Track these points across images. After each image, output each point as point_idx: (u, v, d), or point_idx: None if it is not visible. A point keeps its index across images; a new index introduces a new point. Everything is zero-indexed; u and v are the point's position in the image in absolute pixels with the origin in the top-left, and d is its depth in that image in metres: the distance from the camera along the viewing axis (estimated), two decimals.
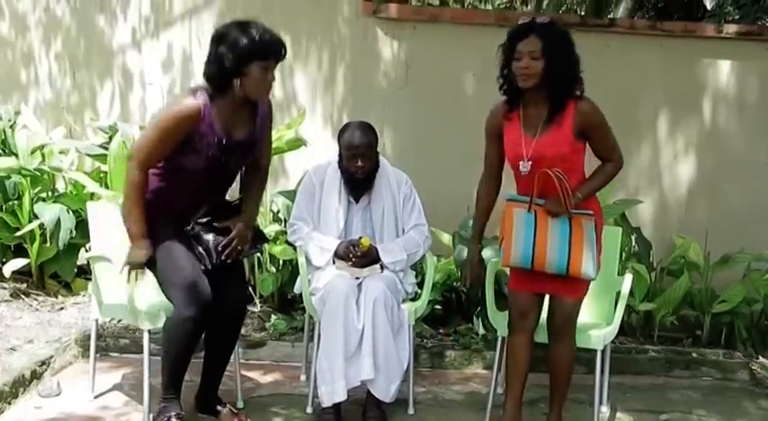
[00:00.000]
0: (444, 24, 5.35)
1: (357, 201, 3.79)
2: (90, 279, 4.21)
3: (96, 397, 3.72)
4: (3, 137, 5.15)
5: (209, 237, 3.24)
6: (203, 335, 3.35)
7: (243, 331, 4.42)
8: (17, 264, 4.77)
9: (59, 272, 4.97)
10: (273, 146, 4.77)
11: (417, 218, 3.85)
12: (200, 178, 3.19)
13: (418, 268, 4.21)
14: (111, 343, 4.33)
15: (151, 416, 3.32)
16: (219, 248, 3.23)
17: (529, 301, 3.31)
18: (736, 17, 7.36)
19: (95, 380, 3.76)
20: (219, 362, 3.45)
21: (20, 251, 4.93)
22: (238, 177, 3.45)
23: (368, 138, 3.69)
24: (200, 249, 3.24)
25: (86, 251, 4.76)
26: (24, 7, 5.63)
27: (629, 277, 3.71)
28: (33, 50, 5.64)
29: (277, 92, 5.46)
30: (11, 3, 5.64)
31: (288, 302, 4.89)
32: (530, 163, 3.15)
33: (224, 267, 3.26)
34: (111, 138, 4.87)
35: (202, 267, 3.22)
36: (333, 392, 3.40)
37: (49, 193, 5.04)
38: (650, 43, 5.27)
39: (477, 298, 4.53)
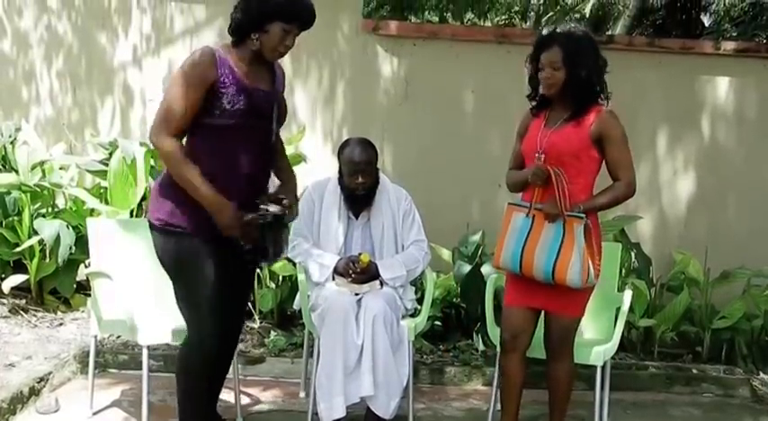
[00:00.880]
0: (444, 41, 5.38)
1: (357, 218, 3.79)
2: (89, 295, 4.20)
3: (95, 413, 3.71)
4: (3, 153, 5.16)
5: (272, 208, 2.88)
6: None
7: (242, 347, 4.43)
8: (16, 279, 4.77)
9: (59, 288, 4.96)
10: None
11: (417, 234, 3.85)
12: (240, 142, 2.89)
13: (418, 284, 4.20)
14: (109, 359, 4.32)
15: None
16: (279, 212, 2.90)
17: (522, 320, 3.27)
18: (734, 34, 7.42)
19: (94, 396, 3.74)
20: (218, 379, 3.41)
21: (19, 267, 4.93)
22: None
23: (368, 154, 3.70)
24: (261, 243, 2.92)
25: (86, 267, 4.76)
26: (26, 25, 5.66)
27: (628, 293, 3.71)
28: (35, 68, 5.67)
29: None
30: (13, 20, 5.67)
31: (287, 318, 4.88)
32: (543, 155, 3.15)
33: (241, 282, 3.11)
34: (111, 154, 4.88)
35: (262, 262, 3.06)
36: (332, 409, 3.39)
37: (49, 209, 5.05)
38: (649, 60, 5.30)
39: (476, 314, 4.52)
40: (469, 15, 13.10)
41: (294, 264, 4.09)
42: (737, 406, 4.33)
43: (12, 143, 5.20)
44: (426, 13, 11.87)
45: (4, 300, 4.81)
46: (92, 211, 4.76)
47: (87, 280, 4.32)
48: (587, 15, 17.16)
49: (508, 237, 3.21)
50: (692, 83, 5.31)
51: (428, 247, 3.90)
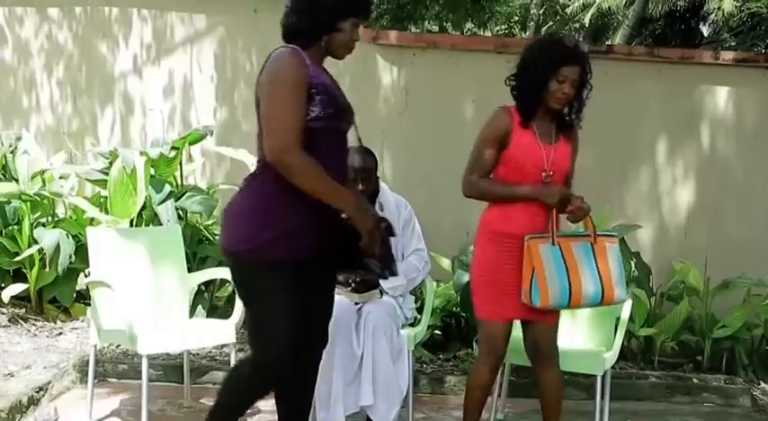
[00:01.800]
0: (443, 51, 5.39)
1: None
2: (89, 304, 4.20)
3: None
4: (3, 162, 5.17)
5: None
6: None
7: (241, 356, 4.41)
8: (16, 289, 4.77)
9: (58, 297, 4.96)
10: None
11: (417, 243, 3.84)
12: (330, 148, 2.65)
13: (418, 293, 4.20)
14: (109, 368, 4.32)
15: None
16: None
17: (501, 332, 3.18)
18: (733, 44, 7.44)
19: (93, 405, 3.73)
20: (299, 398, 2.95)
21: (19, 276, 4.92)
22: None
23: (367, 161, 3.70)
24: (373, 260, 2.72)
25: (86, 276, 4.76)
26: (27, 34, 5.68)
27: (628, 302, 3.70)
28: (35, 77, 5.69)
29: None
30: (14, 29, 5.69)
31: None
32: (551, 173, 3.08)
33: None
34: (111, 163, 4.89)
35: (381, 274, 2.84)
36: (331, 418, 3.38)
37: (49, 218, 5.05)
38: (648, 70, 5.32)
39: (476, 323, 4.51)
40: (469, 25, 13.14)
41: None
42: (738, 415, 4.32)
43: (12, 152, 5.21)
44: (426, 22, 11.90)
45: (4, 310, 4.81)
46: (92, 221, 4.76)
47: (87, 289, 4.32)
48: (587, 25, 17.22)
49: (548, 273, 2.99)
50: (692, 92, 5.32)
51: (428, 256, 3.90)
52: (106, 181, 4.77)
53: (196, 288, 4.16)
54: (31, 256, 4.77)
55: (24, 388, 3.82)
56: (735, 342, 4.74)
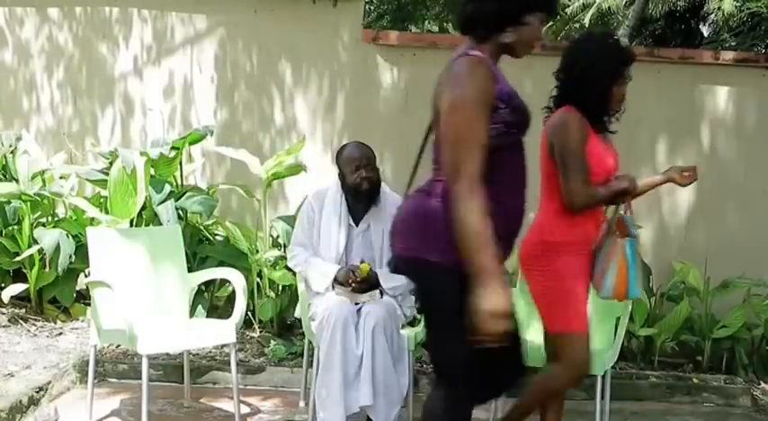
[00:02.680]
0: (444, 51, 5.37)
1: (357, 225, 3.80)
2: (89, 304, 4.21)
3: None
4: (4, 162, 5.17)
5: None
6: None
7: (241, 356, 4.43)
8: (16, 289, 4.77)
9: (58, 297, 4.96)
10: (272, 171, 4.86)
11: None
12: (513, 164, 2.38)
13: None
14: (109, 368, 4.32)
15: None
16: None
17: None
18: (733, 44, 7.44)
19: (93, 405, 3.74)
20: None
21: (19, 276, 4.93)
22: None
23: (367, 151, 3.74)
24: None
25: (86, 276, 4.77)
26: (27, 35, 5.68)
27: (628, 302, 3.70)
28: (36, 77, 5.69)
29: (277, 117, 5.51)
30: (14, 30, 5.69)
31: (287, 328, 4.88)
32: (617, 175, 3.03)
33: None
34: (111, 163, 4.89)
35: None
36: (332, 418, 3.38)
37: (49, 219, 5.05)
38: (648, 70, 5.30)
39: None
40: None
41: (294, 274, 4.09)
42: (738, 415, 4.32)
43: (12, 152, 5.21)
44: (426, 22, 11.91)
45: (4, 310, 4.81)
46: (92, 221, 4.77)
47: (87, 289, 4.32)
48: (587, 25, 17.22)
49: (630, 269, 2.95)
50: (692, 92, 5.32)
51: None
52: (106, 181, 4.77)
53: (196, 288, 4.16)
54: (31, 256, 4.77)
55: (24, 388, 3.82)
56: (735, 342, 4.74)
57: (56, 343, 4.57)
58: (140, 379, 3.41)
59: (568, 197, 2.88)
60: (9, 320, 4.74)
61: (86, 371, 3.89)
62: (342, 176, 3.75)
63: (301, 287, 3.74)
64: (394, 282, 3.70)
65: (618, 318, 3.70)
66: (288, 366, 4.41)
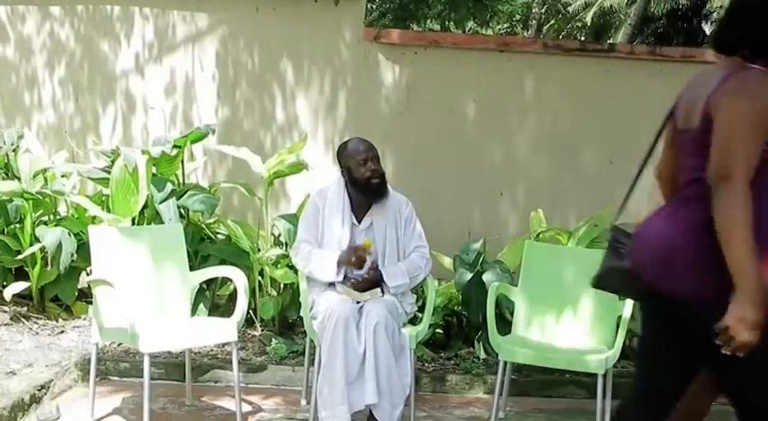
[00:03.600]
0: (445, 49, 5.39)
1: (360, 222, 3.80)
2: (91, 302, 4.21)
3: None
4: (6, 160, 5.17)
5: None
6: None
7: (243, 355, 4.43)
8: (18, 287, 4.77)
9: (60, 295, 4.96)
10: (274, 170, 4.86)
11: (418, 240, 3.85)
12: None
13: (419, 291, 4.20)
14: (111, 367, 4.32)
15: None
16: None
17: None
18: None
19: (95, 404, 3.74)
20: None
21: (21, 274, 4.93)
22: None
23: (371, 144, 3.75)
24: None
25: (87, 274, 4.77)
26: (29, 32, 5.68)
27: (630, 301, 3.70)
28: (37, 74, 5.69)
29: (279, 116, 5.51)
30: (16, 27, 5.69)
31: (288, 326, 4.88)
32: None
33: None
34: (113, 161, 4.89)
35: None
36: (334, 417, 3.38)
37: (51, 217, 5.05)
38: (650, 68, 5.31)
39: (477, 322, 4.52)
40: (471, 24, 13.14)
41: (296, 272, 4.09)
42: None
43: (14, 150, 5.21)
44: (428, 21, 11.91)
45: (6, 308, 4.81)
46: (93, 219, 4.76)
47: (89, 287, 4.32)
48: (588, 24, 17.22)
49: None
50: None
51: (429, 254, 3.90)
52: (108, 179, 4.77)
53: (198, 286, 4.16)
54: (32, 255, 4.77)
55: (26, 386, 3.82)
56: None
57: (57, 341, 4.57)
58: (142, 377, 3.41)
59: None
60: (11, 318, 4.74)
61: (88, 369, 3.89)
62: (347, 172, 3.74)
63: (303, 285, 3.74)
64: (397, 280, 3.70)
65: (619, 317, 3.70)
66: (289, 365, 4.41)
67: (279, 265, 4.69)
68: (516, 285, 4.06)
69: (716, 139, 2.21)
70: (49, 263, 4.85)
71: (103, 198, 4.96)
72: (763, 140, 2.15)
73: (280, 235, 4.90)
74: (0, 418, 3.49)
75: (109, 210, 4.73)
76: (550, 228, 4.83)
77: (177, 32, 5.56)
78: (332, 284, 3.72)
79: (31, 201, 4.83)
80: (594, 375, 3.55)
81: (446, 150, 5.35)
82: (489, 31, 13.95)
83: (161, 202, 4.67)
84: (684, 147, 2.41)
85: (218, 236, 4.99)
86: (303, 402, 4.05)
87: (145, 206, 4.73)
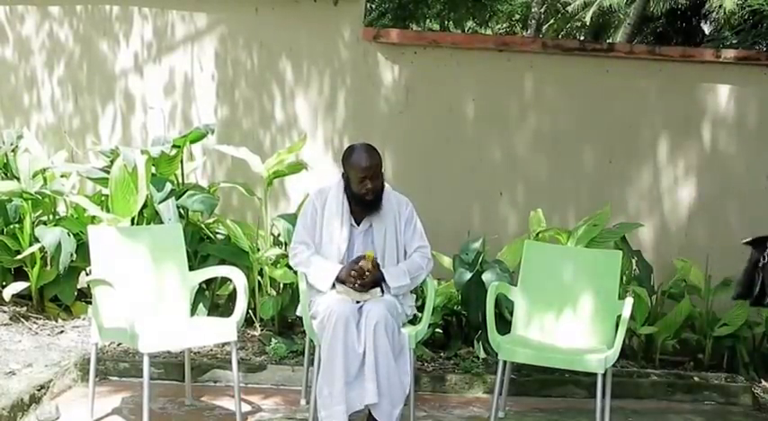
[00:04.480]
0: (444, 49, 5.39)
1: (359, 224, 3.79)
2: (90, 302, 4.20)
3: None
4: (5, 160, 5.17)
5: None
6: None
7: (243, 355, 4.43)
8: (17, 287, 4.77)
9: (59, 295, 4.96)
10: (273, 169, 4.86)
11: (419, 240, 3.84)
12: None
13: (418, 291, 4.20)
14: (110, 367, 4.32)
15: None
16: None
17: None
18: (734, 42, 7.44)
19: (94, 404, 3.73)
20: None
21: (20, 274, 4.92)
22: None
23: (374, 158, 3.70)
24: None
25: (87, 274, 4.76)
26: (28, 32, 5.68)
27: (629, 301, 3.70)
28: (36, 74, 5.69)
29: (278, 116, 5.51)
30: (15, 27, 5.69)
31: (288, 326, 4.88)
32: None
33: None
34: (112, 161, 4.89)
35: None
36: (333, 416, 3.38)
37: (50, 217, 5.05)
38: (649, 68, 5.31)
39: (477, 321, 4.52)
40: (470, 24, 13.14)
41: (295, 272, 4.09)
42: (739, 414, 4.31)
43: (13, 150, 5.21)
44: (427, 21, 11.90)
45: (5, 308, 4.81)
46: (93, 219, 4.76)
47: (88, 287, 4.32)
48: (588, 23, 17.21)
49: None
50: (693, 91, 5.32)
51: (431, 254, 3.90)
52: (107, 179, 4.76)
53: (197, 286, 4.15)
54: (32, 255, 4.77)
55: (26, 386, 3.82)
56: (736, 340, 4.74)
57: (57, 341, 4.57)
58: (141, 377, 3.41)
59: None
60: (10, 318, 4.74)
61: (87, 369, 3.89)
62: (346, 179, 3.74)
63: (302, 285, 3.74)
64: (399, 281, 3.70)
65: (619, 317, 3.70)
66: (289, 364, 4.41)
67: (278, 265, 4.69)
68: (516, 285, 4.06)
69: None
70: (49, 263, 4.85)
71: (103, 198, 4.95)
72: None
73: (279, 234, 4.90)
74: (0, 418, 3.49)
75: (108, 210, 4.73)
76: (550, 227, 4.84)
77: (176, 32, 5.55)
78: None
79: (30, 201, 4.83)
80: (594, 375, 3.55)
81: (445, 150, 5.35)
82: (488, 31, 13.95)
83: (160, 202, 4.67)
84: None
85: (218, 235, 4.99)
86: (302, 402, 4.05)
87: (144, 206, 4.73)
